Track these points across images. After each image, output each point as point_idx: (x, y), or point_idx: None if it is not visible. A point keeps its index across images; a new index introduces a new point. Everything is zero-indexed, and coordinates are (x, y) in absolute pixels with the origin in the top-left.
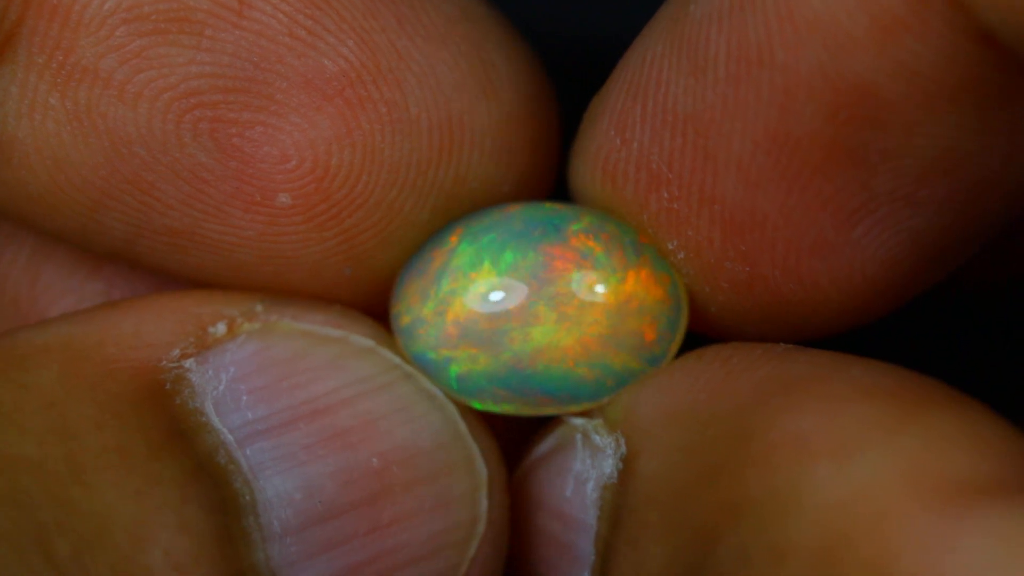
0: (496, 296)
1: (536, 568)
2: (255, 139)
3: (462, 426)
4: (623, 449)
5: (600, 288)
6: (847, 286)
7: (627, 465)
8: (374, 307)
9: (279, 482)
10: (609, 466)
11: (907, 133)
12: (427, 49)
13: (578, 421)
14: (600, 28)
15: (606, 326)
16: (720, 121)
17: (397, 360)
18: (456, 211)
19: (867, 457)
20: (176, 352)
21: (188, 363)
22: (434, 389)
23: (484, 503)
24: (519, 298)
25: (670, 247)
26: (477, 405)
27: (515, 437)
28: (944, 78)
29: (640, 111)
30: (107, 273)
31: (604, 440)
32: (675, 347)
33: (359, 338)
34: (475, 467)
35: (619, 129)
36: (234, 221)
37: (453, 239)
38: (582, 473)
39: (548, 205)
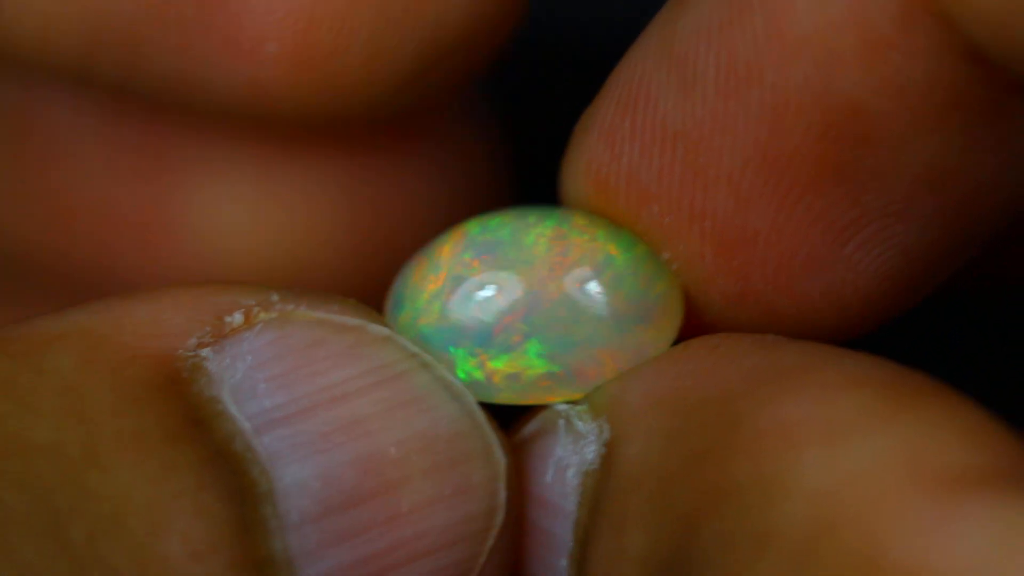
0: (490, 294)
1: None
2: None
3: (480, 416)
4: (606, 435)
5: (601, 290)
6: (840, 301)
7: (610, 450)
8: (361, 135)
9: (297, 470)
10: (591, 452)
11: (896, 150)
12: None
13: (562, 407)
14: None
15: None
16: (710, 137)
17: (414, 349)
18: (438, 46)
19: (857, 445)
20: (193, 341)
21: (205, 352)
22: (451, 378)
23: (503, 493)
24: (517, 296)
25: (664, 258)
26: (482, 398)
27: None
28: (933, 95)
29: (629, 126)
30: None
31: (587, 426)
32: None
33: (376, 327)
34: (493, 456)
35: (609, 143)
36: (224, 68)
37: (446, 248)
38: (563, 459)
39: (550, 210)
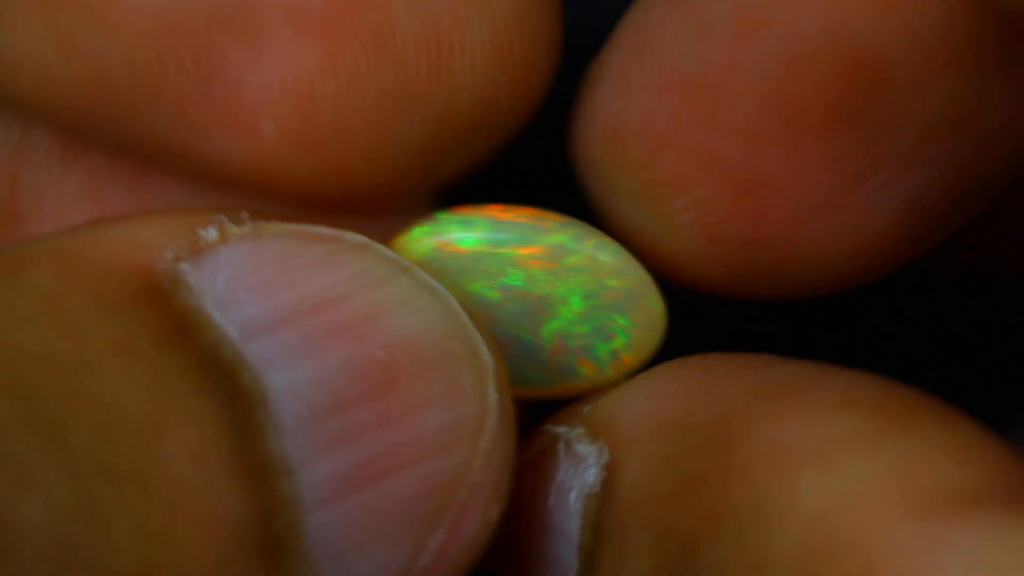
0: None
1: None
2: (239, 68)
3: (464, 317)
4: (606, 457)
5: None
6: (853, 244)
7: (610, 473)
8: (364, 215)
9: (288, 375)
10: (592, 475)
11: (910, 93)
12: None
13: (560, 429)
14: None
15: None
16: (723, 81)
17: (392, 255)
18: (448, 130)
19: (850, 467)
20: (170, 254)
21: (183, 266)
22: (433, 282)
23: (493, 395)
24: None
25: (675, 208)
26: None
27: None
28: (947, 39)
29: (643, 72)
30: (87, 164)
31: (586, 449)
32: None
33: (352, 235)
34: (481, 358)
35: (622, 91)
36: (220, 144)
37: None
38: (565, 482)
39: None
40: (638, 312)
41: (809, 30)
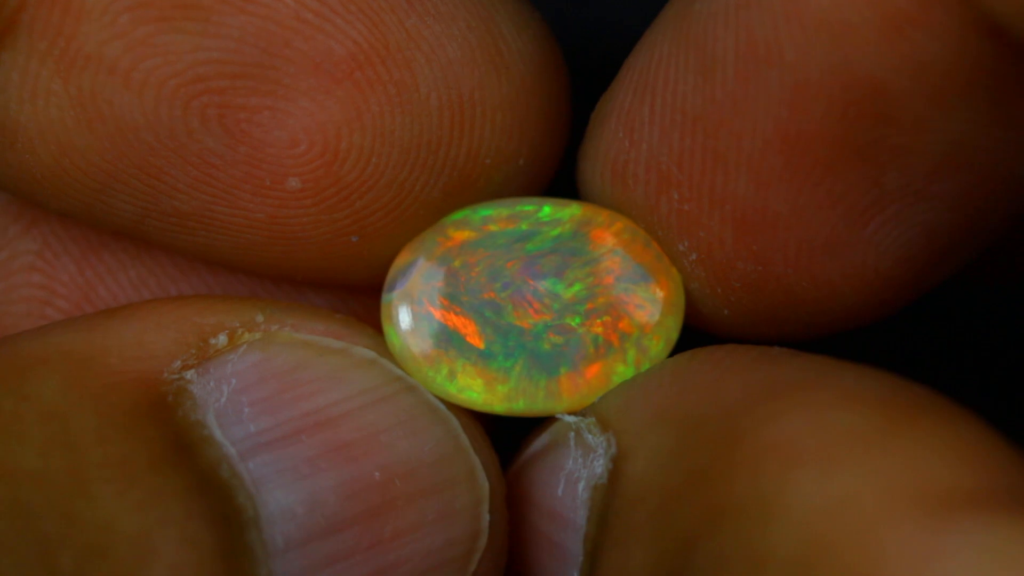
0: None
1: (526, 565)
2: (264, 124)
3: (464, 439)
4: (614, 449)
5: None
6: (860, 283)
7: (617, 465)
8: (381, 279)
9: (282, 496)
10: (600, 466)
11: (917, 129)
12: (436, 27)
13: (571, 419)
14: (611, 18)
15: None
16: (729, 120)
17: (399, 372)
18: (470, 188)
19: (852, 465)
20: (178, 363)
21: (189, 374)
22: (436, 402)
23: (486, 517)
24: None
25: (681, 248)
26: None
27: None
28: (953, 73)
29: (648, 111)
30: (42, 232)
31: (596, 439)
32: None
33: (361, 349)
34: (477, 481)
35: (627, 129)
36: (244, 205)
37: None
38: (574, 472)
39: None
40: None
41: (813, 67)
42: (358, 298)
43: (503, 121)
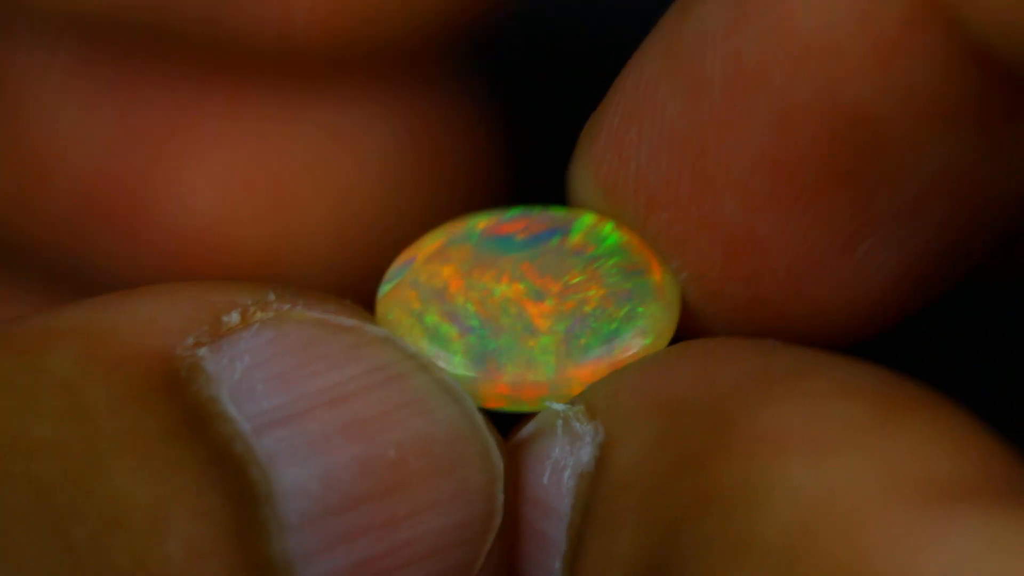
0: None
1: (510, 554)
2: None
3: (478, 418)
4: (601, 436)
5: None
6: (850, 306)
7: (603, 453)
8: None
9: (296, 472)
10: (587, 454)
11: (905, 154)
12: None
13: (560, 407)
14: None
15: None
16: (717, 142)
17: (412, 350)
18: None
19: (843, 456)
20: (190, 340)
21: (202, 352)
22: (451, 381)
23: (500, 497)
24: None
25: (673, 266)
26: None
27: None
28: (942, 98)
29: (637, 132)
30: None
31: (583, 427)
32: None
33: (373, 327)
34: (491, 460)
35: (616, 149)
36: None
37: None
38: (560, 460)
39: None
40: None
41: (802, 90)
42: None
43: None
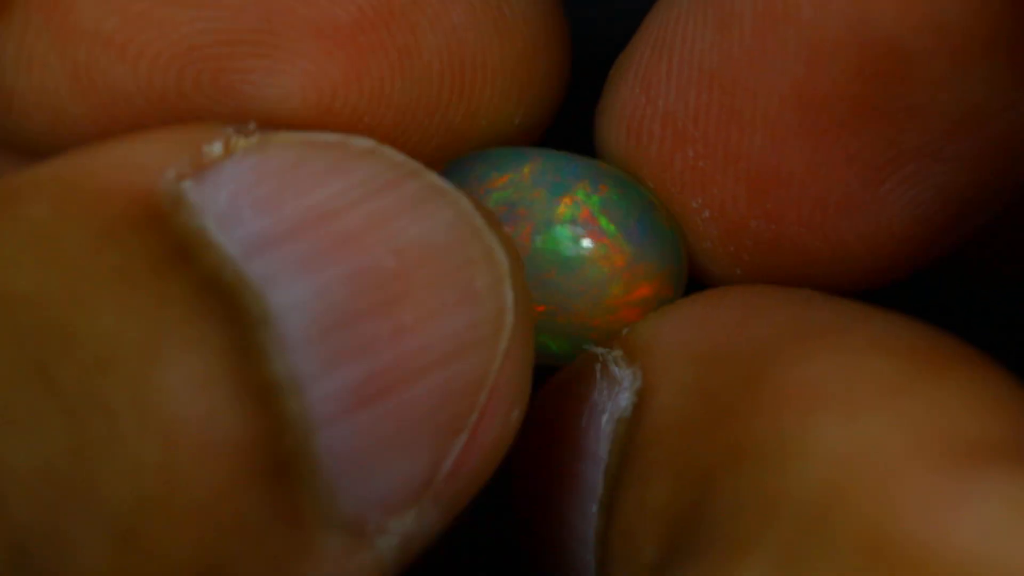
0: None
1: (547, 495)
2: (256, 82)
3: (478, 219)
4: (639, 382)
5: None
6: (874, 243)
7: (641, 399)
8: None
9: (292, 292)
10: (625, 399)
11: (935, 88)
12: None
13: (599, 350)
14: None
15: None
16: (746, 77)
17: (400, 157)
18: (463, 147)
19: (876, 413)
20: (172, 172)
21: (185, 184)
22: (444, 183)
23: (510, 294)
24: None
25: (694, 206)
26: None
27: None
28: (971, 33)
29: (665, 68)
30: None
31: (622, 372)
32: None
33: (359, 139)
34: (496, 259)
35: (644, 86)
36: None
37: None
38: (598, 404)
39: (568, 161)
40: None
41: (832, 24)
42: None
43: (503, 84)
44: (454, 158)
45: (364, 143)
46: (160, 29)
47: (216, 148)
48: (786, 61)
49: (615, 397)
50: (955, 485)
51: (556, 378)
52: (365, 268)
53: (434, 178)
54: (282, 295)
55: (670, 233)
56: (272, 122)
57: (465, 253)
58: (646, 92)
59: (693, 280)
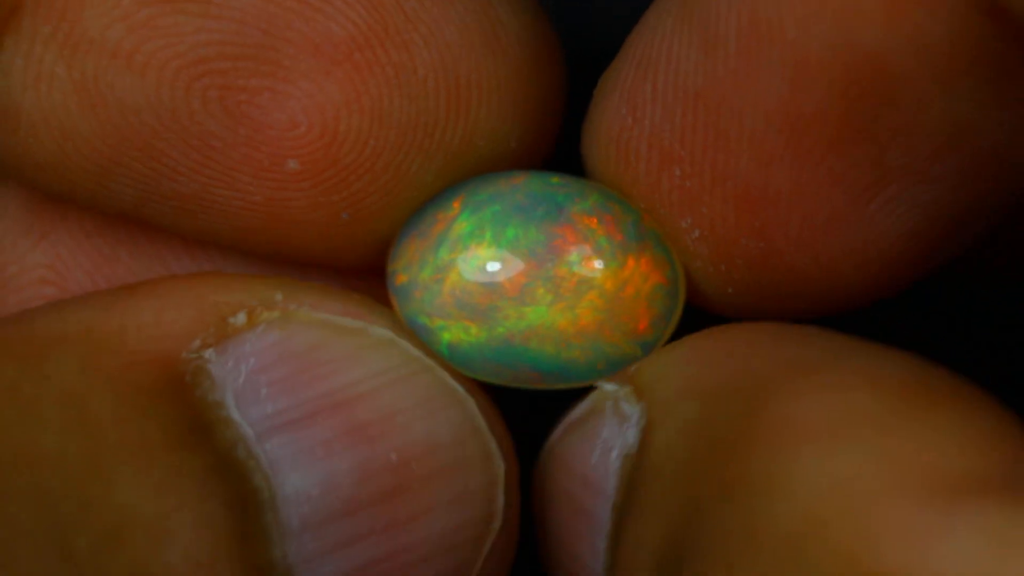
0: (494, 269)
1: (556, 531)
2: (264, 105)
3: (480, 421)
4: (645, 419)
5: (598, 271)
6: (862, 262)
7: (646, 436)
8: (377, 267)
9: (298, 478)
10: (632, 435)
11: (919, 108)
12: (434, 10)
13: (610, 387)
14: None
15: (601, 309)
16: (731, 97)
17: (416, 353)
18: (461, 170)
19: (859, 448)
20: (196, 342)
21: (208, 353)
22: (454, 383)
23: (501, 499)
24: (516, 274)
25: (684, 226)
26: (467, 374)
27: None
28: (955, 52)
29: (651, 88)
30: (54, 243)
31: (631, 408)
32: (669, 333)
33: (379, 329)
34: (493, 463)
35: (630, 106)
36: (243, 187)
37: (456, 205)
38: (609, 440)
39: (555, 179)
40: None
41: (816, 44)
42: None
43: (498, 103)
44: (454, 183)
45: (383, 333)
46: (166, 38)
47: (240, 319)
48: (771, 81)
49: (624, 433)
50: (935, 518)
51: (569, 416)
52: (369, 461)
53: (444, 376)
54: (290, 480)
55: (663, 243)
56: (281, 153)
57: (465, 454)
58: (632, 112)
59: (690, 304)
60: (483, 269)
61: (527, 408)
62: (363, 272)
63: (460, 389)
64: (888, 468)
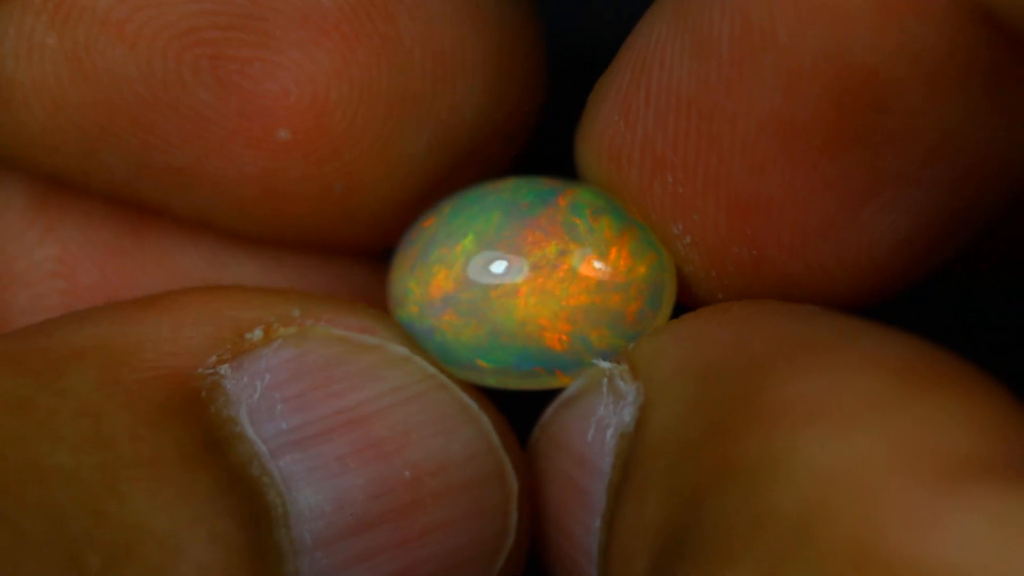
0: (481, 266)
1: (551, 510)
2: (254, 75)
3: (495, 438)
4: (642, 398)
5: (582, 263)
6: (855, 268)
7: (642, 414)
8: (373, 247)
9: (311, 494)
10: (628, 414)
11: (912, 116)
12: None
13: (606, 364)
14: (607, 9)
15: (586, 301)
16: (724, 104)
17: (432, 370)
18: (452, 141)
19: (863, 429)
20: (213, 359)
21: (223, 369)
22: (468, 400)
23: (514, 515)
24: (501, 270)
25: (675, 232)
26: (461, 376)
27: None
28: (948, 61)
29: (644, 94)
30: (61, 237)
31: (627, 387)
32: (659, 324)
33: (395, 347)
34: (507, 479)
35: (623, 112)
36: (236, 157)
37: (446, 209)
38: (604, 419)
39: (541, 180)
40: None
41: (808, 52)
42: (360, 268)
43: (482, 76)
44: (443, 163)
45: (399, 350)
46: (157, 7)
47: (257, 335)
48: (764, 88)
49: (620, 411)
50: (939, 500)
51: (563, 394)
52: (383, 478)
53: (459, 393)
54: (303, 497)
55: (649, 235)
56: (273, 123)
57: (479, 471)
58: (625, 118)
59: (679, 305)
60: (470, 267)
61: (519, 410)
62: (359, 254)
63: (474, 406)
64: (892, 449)
